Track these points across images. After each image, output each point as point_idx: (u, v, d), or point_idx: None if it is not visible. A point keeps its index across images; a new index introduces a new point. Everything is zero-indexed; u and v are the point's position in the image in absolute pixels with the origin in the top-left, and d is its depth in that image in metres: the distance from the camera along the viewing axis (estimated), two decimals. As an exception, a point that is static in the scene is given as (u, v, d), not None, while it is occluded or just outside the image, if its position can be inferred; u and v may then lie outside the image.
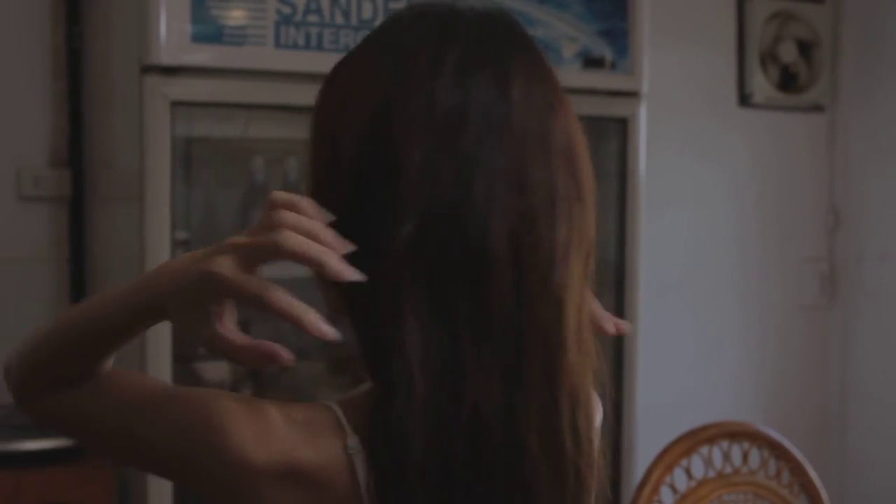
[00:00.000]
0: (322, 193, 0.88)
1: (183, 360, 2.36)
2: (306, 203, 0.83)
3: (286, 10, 2.20)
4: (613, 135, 2.64)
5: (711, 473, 2.07)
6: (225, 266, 0.80)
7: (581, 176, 0.90)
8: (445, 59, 0.87)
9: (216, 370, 2.43)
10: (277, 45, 2.20)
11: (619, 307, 2.64)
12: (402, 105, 0.85)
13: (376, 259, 0.83)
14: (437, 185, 0.84)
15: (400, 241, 0.83)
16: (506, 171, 0.85)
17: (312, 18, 2.22)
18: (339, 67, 0.92)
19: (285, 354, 0.84)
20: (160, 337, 2.14)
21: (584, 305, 0.96)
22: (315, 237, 0.81)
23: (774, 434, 2.11)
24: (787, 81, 3.33)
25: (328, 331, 0.80)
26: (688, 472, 2.05)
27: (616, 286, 2.64)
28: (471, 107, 0.85)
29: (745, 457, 2.09)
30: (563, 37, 2.48)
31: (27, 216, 2.60)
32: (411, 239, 0.84)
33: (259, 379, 2.50)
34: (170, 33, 2.11)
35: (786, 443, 2.10)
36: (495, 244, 0.84)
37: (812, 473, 2.10)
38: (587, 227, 0.90)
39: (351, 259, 0.81)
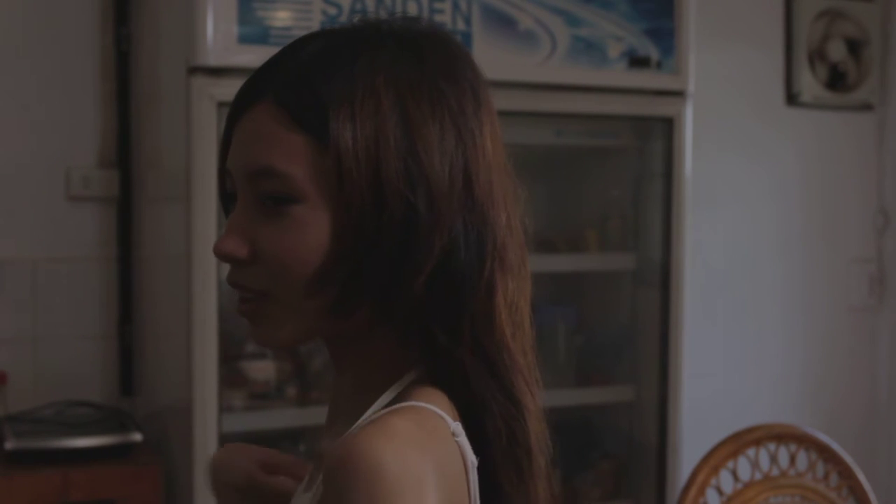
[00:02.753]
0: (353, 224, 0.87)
1: (229, 359, 2.38)
2: None
3: (332, 10, 2.21)
4: (659, 135, 2.63)
5: (758, 476, 2.05)
6: None
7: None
8: (483, 122, 0.91)
9: (262, 369, 2.45)
10: (323, 45, 2.21)
11: (664, 307, 2.62)
12: (475, 167, 0.89)
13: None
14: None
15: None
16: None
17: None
18: (386, 104, 0.87)
19: None
20: (206, 337, 2.16)
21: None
22: None
23: (822, 436, 2.08)
24: (836, 80, 3.29)
25: None
26: (734, 474, 2.04)
27: (661, 286, 2.63)
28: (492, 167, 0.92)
29: (792, 459, 2.07)
30: (609, 36, 2.47)
31: (76, 216, 2.63)
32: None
33: (304, 378, 2.52)
34: (216, 34, 2.13)
35: (834, 445, 2.08)
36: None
37: (861, 477, 2.07)
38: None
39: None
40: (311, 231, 0.86)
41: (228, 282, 0.92)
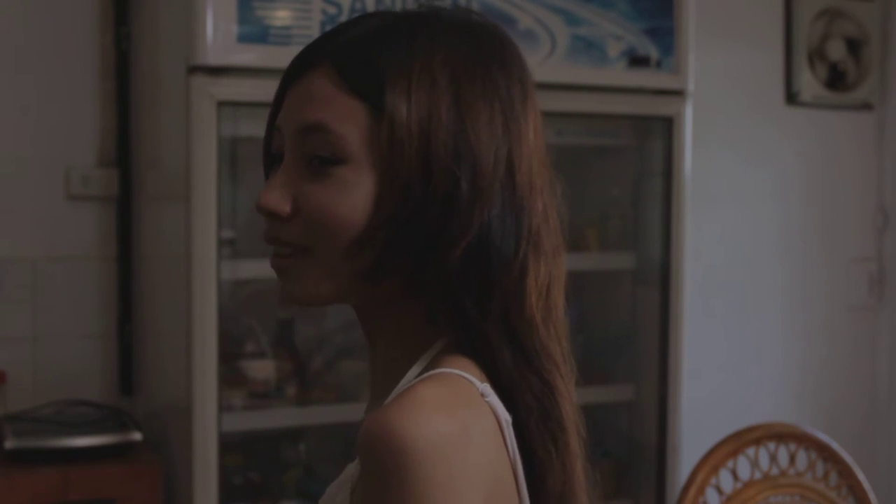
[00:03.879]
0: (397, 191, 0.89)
1: (228, 359, 2.38)
2: None
3: (331, 10, 2.21)
4: (659, 134, 2.63)
5: (758, 475, 2.05)
6: None
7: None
8: (529, 114, 0.94)
9: (262, 369, 2.45)
10: (322, 44, 2.20)
11: (664, 306, 2.62)
12: (517, 154, 0.92)
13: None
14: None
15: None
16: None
17: (357, 18, 2.22)
18: (443, 79, 0.90)
19: None
20: (206, 337, 2.15)
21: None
22: None
23: (822, 436, 2.08)
24: (836, 79, 3.29)
25: None
26: (734, 473, 2.04)
27: (661, 285, 2.63)
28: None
29: (791, 458, 2.08)
30: (609, 35, 2.47)
31: (76, 215, 2.63)
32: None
33: (303, 377, 2.52)
34: (216, 34, 2.13)
35: (834, 445, 2.08)
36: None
37: (860, 476, 2.07)
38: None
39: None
40: (356, 193, 0.89)
41: (265, 238, 0.94)
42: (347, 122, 0.89)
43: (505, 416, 0.87)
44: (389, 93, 0.88)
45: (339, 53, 0.91)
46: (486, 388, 0.87)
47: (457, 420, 0.82)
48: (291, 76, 0.94)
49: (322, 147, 0.90)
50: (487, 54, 0.93)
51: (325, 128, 0.89)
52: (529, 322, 0.92)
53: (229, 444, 2.31)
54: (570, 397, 0.95)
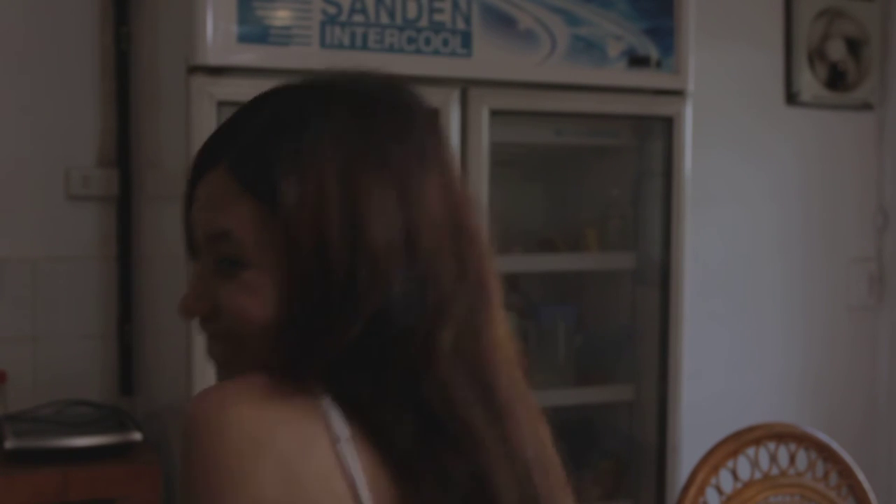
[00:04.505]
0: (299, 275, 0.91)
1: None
2: None
3: (331, 10, 2.21)
4: (659, 134, 2.63)
5: (758, 475, 2.06)
6: None
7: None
8: (429, 179, 0.94)
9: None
10: (323, 45, 2.21)
11: (664, 306, 2.62)
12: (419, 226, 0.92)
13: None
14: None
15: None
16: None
17: (358, 18, 2.22)
18: (310, 166, 0.92)
19: None
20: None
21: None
22: None
23: (822, 436, 2.08)
24: (836, 79, 3.29)
25: None
26: (734, 473, 2.04)
27: (661, 285, 2.62)
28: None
29: (791, 458, 2.08)
30: (609, 35, 2.47)
31: (76, 215, 2.63)
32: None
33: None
34: (216, 34, 2.13)
35: (834, 445, 2.08)
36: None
37: (860, 476, 2.07)
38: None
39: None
40: (264, 293, 0.92)
41: (201, 326, 0.98)
42: (247, 225, 0.92)
43: (342, 434, 0.87)
44: (282, 190, 0.90)
45: (234, 153, 0.94)
46: (327, 402, 0.88)
47: (261, 408, 0.86)
48: (195, 176, 0.97)
49: (227, 251, 0.93)
50: (381, 130, 0.94)
51: (227, 234, 0.92)
52: (444, 385, 0.91)
53: (229, 444, 2.31)
54: (511, 453, 0.93)
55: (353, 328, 0.89)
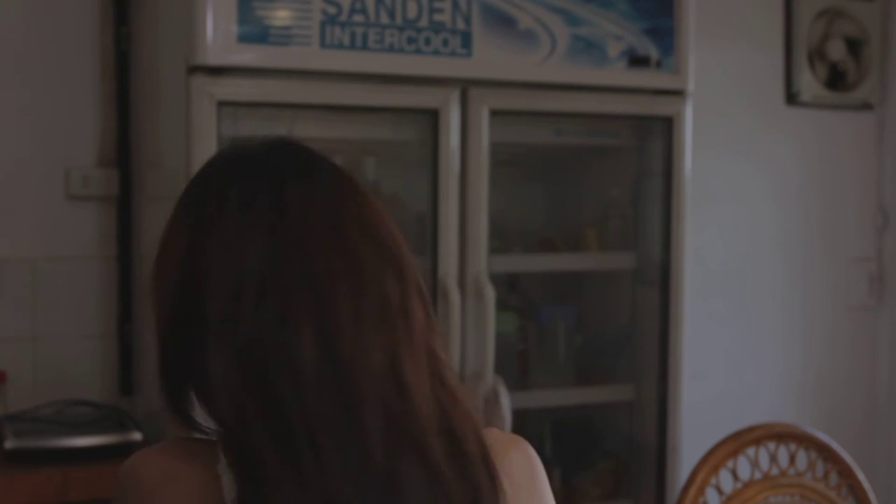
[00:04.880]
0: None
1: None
2: None
3: (331, 10, 2.21)
4: (659, 134, 2.63)
5: (758, 475, 2.05)
6: None
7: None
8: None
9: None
10: (323, 45, 2.21)
11: (664, 306, 2.62)
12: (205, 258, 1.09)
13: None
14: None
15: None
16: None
17: (358, 18, 2.22)
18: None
19: None
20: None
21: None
22: None
23: (822, 436, 2.08)
24: (836, 79, 3.29)
25: None
26: (734, 473, 2.04)
27: (661, 285, 2.63)
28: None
29: (791, 459, 2.07)
30: (609, 35, 2.47)
31: (76, 215, 2.63)
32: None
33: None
34: (216, 34, 2.13)
35: (834, 445, 2.08)
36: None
37: (860, 476, 2.07)
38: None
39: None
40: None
41: None
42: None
43: (230, 496, 0.95)
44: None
45: None
46: (222, 467, 0.97)
47: (160, 466, 1.07)
48: None
49: None
50: (231, 173, 1.10)
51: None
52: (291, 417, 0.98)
53: (229, 444, 2.31)
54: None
55: (214, 360, 1.03)
